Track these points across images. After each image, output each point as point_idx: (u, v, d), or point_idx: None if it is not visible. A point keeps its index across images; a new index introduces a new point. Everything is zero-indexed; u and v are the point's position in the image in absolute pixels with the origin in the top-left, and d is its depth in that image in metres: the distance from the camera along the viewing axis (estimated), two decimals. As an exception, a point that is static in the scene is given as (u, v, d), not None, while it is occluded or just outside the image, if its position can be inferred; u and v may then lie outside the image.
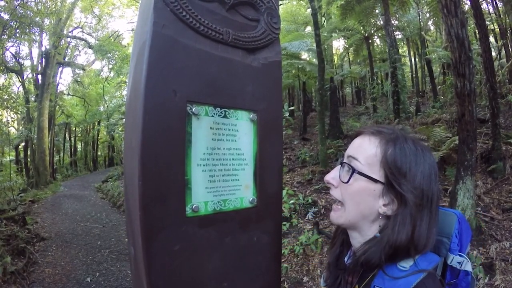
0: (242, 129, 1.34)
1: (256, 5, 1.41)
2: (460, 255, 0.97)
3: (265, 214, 1.40)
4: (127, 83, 1.42)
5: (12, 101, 17.14)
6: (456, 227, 0.99)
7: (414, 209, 0.88)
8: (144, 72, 1.11)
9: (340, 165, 1.01)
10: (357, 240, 0.99)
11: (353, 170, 0.94)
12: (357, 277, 0.96)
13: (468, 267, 0.95)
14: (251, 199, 1.36)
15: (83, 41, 24.58)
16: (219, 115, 1.27)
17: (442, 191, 6.28)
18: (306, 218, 6.55)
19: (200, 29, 1.22)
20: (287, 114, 8.90)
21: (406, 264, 0.87)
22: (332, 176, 1.02)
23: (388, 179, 0.90)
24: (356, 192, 0.94)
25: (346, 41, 21.94)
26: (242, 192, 1.34)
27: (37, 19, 15.27)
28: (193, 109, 1.19)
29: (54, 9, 16.57)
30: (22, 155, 24.20)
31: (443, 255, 0.99)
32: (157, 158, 1.11)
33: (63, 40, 21.85)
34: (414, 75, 22.48)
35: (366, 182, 0.93)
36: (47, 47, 20.38)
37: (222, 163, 1.28)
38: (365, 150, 0.96)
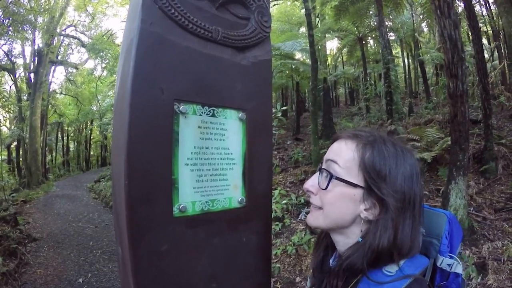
0: (231, 128, 1.33)
1: (246, 4, 1.40)
2: (450, 257, 0.95)
3: (254, 214, 1.39)
4: (115, 81, 1.41)
5: (4, 99, 17.04)
6: (446, 228, 0.98)
7: (396, 213, 0.86)
8: (131, 70, 1.09)
9: (318, 172, 0.99)
10: (341, 243, 0.98)
11: (331, 176, 0.93)
12: (342, 281, 0.94)
13: (458, 269, 0.94)
14: (240, 199, 1.34)
15: (76, 40, 24.41)
16: (207, 114, 1.25)
17: (434, 191, 6.31)
18: (299, 218, 6.55)
19: (189, 26, 1.21)
20: (279, 114, 8.90)
21: (392, 269, 0.85)
22: (311, 184, 1.00)
23: (367, 183, 0.89)
24: (336, 197, 0.93)
25: (340, 42, 22.01)
26: (231, 192, 1.33)
27: (30, 16, 15.17)
28: (181, 108, 1.17)
29: (47, 7, 16.51)
30: (14, 154, 23.98)
31: (432, 256, 0.98)
32: (143, 157, 1.09)
33: (56, 39, 21.72)
34: (407, 76, 22.59)
35: (345, 187, 0.91)
36: (40, 45, 20.22)
37: (210, 162, 1.26)
38: (343, 155, 0.94)
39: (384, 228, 0.86)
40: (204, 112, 1.25)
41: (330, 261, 1.05)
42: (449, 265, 0.94)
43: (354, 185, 0.90)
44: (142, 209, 1.09)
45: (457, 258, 0.96)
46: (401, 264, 0.86)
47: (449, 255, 0.96)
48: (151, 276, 1.11)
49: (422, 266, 0.89)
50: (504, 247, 4.28)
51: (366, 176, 0.89)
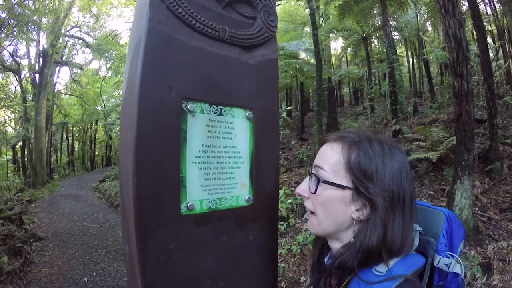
0: (238, 126, 1.33)
1: (252, 3, 1.40)
2: (448, 257, 0.95)
3: (261, 213, 1.39)
4: (123, 80, 1.41)
5: (9, 100, 17.11)
6: (444, 226, 0.98)
7: (384, 212, 0.86)
8: (139, 69, 1.10)
9: (309, 176, 1.00)
10: (335, 246, 0.98)
11: (319, 180, 0.94)
12: (336, 280, 0.95)
13: (456, 269, 0.93)
14: (247, 198, 1.35)
15: (81, 40, 24.49)
16: (214, 113, 1.26)
17: (439, 191, 6.29)
18: (304, 218, 6.52)
19: (196, 26, 1.21)
20: (284, 114, 8.89)
21: (382, 269, 0.85)
22: (303, 188, 1.01)
23: (355, 184, 0.89)
24: (326, 201, 0.93)
25: (344, 41, 21.95)
26: (238, 191, 1.33)
27: (35, 17, 15.20)
28: (189, 106, 1.18)
29: (52, 8, 16.53)
30: (19, 154, 24.06)
31: (430, 256, 0.97)
32: (151, 156, 1.10)
33: (60, 39, 21.77)
34: (411, 76, 22.48)
35: (334, 190, 0.92)
36: (45, 46, 20.28)
37: (218, 161, 1.27)
38: (329, 158, 0.95)
39: (374, 227, 0.86)
40: (212, 111, 1.25)
41: (325, 260, 1.05)
42: (446, 264, 0.94)
43: (342, 187, 0.90)
44: (150, 207, 1.10)
45: (457, 258, 0.95)
46: (391, 264, 0.85)
47: (448, 254, 0.95)
48: (159, 274, 1.12)
49: (416, 266, 0.88)
50: (509, 247, 4.25)
51: (353, 177, 0.89)
